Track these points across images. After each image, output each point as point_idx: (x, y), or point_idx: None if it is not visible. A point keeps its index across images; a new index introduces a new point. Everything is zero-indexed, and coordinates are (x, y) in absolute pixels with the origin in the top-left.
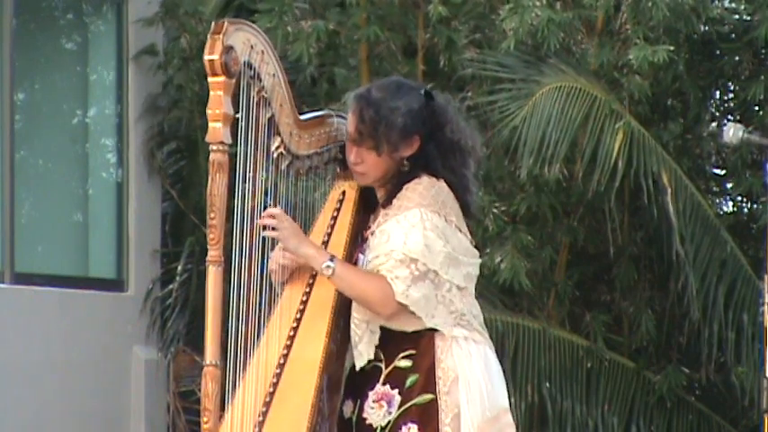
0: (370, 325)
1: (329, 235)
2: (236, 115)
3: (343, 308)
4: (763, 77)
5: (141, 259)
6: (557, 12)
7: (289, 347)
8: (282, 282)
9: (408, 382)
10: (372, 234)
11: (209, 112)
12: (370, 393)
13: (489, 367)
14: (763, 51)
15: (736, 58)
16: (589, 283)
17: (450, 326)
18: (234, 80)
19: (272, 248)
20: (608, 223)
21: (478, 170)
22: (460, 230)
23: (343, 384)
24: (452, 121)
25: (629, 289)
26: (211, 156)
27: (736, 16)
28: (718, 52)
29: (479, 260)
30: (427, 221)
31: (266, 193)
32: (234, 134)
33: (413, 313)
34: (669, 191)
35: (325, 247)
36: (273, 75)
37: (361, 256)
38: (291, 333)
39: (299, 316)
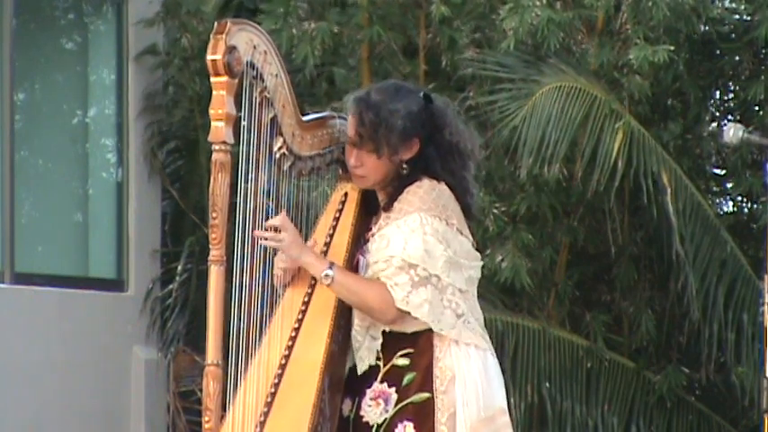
0: (370, 331)
1: (331, 236)
2: (238, 114)
3: (344, 309)
4: (763, 77)
5: (141, 259)
6: (557, 11)
7: (290, 348)
8: (285, 284)
9: (405, 380)
10: (373, 237)
11: (211, 111)
12: (368, 391)
13: (487, 367)
14: (763, 51)
15: (736, 58)
16: (589, 283)
17: (458, 330)
18: (236, 80)
19: (273, 249)
20: (608, 223)
21: (478, 172)
22: (462, 233)
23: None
24: (451, 124)
25: (629, 289)
26: (214, 155)
27: (737, 16)
28: (718, 52)
29: (481, 263)
30: (427, 226)
31: (268, 194)
32: (236, 134)
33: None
34: (669, 191)
35: (328, 249)
36: (276, 75)
37: (362, 258)
38: (293, 334)
39: (300, 317)
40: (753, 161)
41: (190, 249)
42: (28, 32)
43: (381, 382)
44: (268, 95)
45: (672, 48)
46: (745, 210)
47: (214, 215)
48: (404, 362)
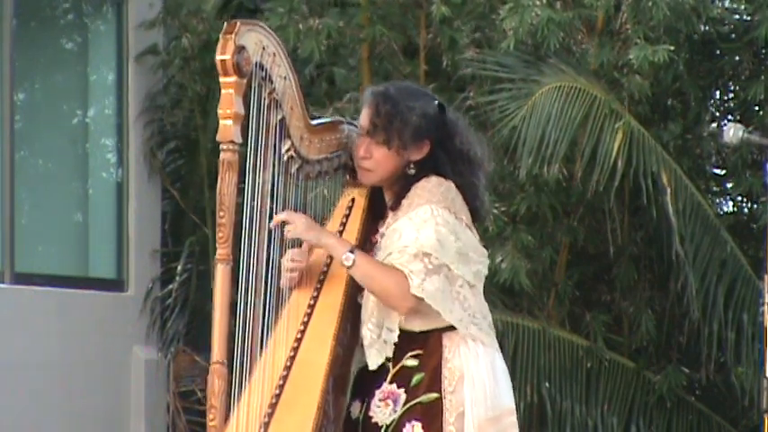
0: (386, 323)
1: None
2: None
3: (350, 312)
4: (763, 77)
5: (141, 259)
6: (557, 11)
7: (296, 350)
8: (291, 287)
9: (414, 380)
10: (382, 236)
11: (219, 111)
12: (377, 392)
13: (495, 367)
14: (763, 51)
15: (736, 58)
16: (589, 283)
17: (466, 323)
18: (245, 80)
19: (278, 247)
20: (608, 223)
21: (488, 183)
22: (470, 228)
23: (351, 386)
24: (463, 134)
25: (629, 289)
26: (222, 155)
27: (737, 16)
28: (718, 52)
29: (488, 260)
30: (438, 217)
31: (273, 197)
32: (244, 135)
33: (421, 312)
34: (669, 191)
35: None
36: (285, 77)
37: None
38: (299, 336)
39: (306, 320)
40: (753, 161)
41: (190, 249)
42: (28, 32)
43: (390, 382)
44: (277, 97)
45: (672, 48)
46: (745, 210)
47: (221, 214)
48: (413, 363)
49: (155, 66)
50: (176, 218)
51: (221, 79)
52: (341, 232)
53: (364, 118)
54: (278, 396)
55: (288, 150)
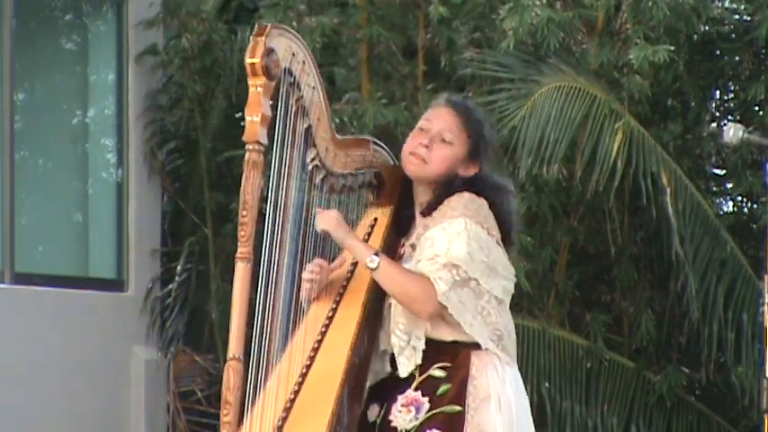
0: (415, 332)
1: None
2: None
3: (369, 323)
4: (763, 77)
5: (141, 259)
6: (557, 11)
7: (312, 358)
8: (309, 299)
9: (440, 390)
10: (412, 246)
11: (247, 110)
12: (400, 397)
13: (519, 393)
14: (763, 51)
15: (736, 58)
16: (589, 283)
17: (486, 338)
18: (273, 83)
19: (298, 251)
20: (608, 223)
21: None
22: (500, 245)
23: (368, 391)
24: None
25: (629, 289)
26: (247, 154)
27: (737, 16)
28: (718, 52)
29: (515, 279)
30: (471, 231)
31: (297, 205)
32: (270, 139)
33: (446, 320)
34: (669, 191)
35: (354, 268)
36: (314, 87)
37: None
38: (316, 345)
39: (324, 330)
40: (753, 161)
41: (189, 249)
42: (28, 32)
43: (416, 390)
44: (304, 105)
45: (672, 48)
46: (745, 210)
47: (244, 213)
48: (440, 373)
49: (154, 66)
50: (176, 218)
51: (249, 80)
52: None
53: (438, 119)
54: (292, 401)
55: (313, 160)
